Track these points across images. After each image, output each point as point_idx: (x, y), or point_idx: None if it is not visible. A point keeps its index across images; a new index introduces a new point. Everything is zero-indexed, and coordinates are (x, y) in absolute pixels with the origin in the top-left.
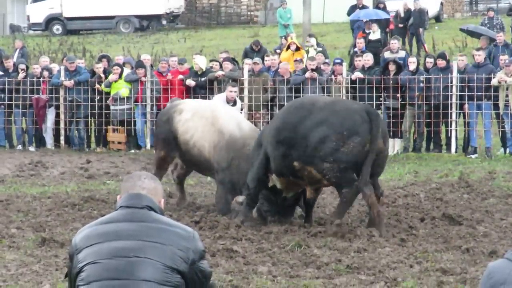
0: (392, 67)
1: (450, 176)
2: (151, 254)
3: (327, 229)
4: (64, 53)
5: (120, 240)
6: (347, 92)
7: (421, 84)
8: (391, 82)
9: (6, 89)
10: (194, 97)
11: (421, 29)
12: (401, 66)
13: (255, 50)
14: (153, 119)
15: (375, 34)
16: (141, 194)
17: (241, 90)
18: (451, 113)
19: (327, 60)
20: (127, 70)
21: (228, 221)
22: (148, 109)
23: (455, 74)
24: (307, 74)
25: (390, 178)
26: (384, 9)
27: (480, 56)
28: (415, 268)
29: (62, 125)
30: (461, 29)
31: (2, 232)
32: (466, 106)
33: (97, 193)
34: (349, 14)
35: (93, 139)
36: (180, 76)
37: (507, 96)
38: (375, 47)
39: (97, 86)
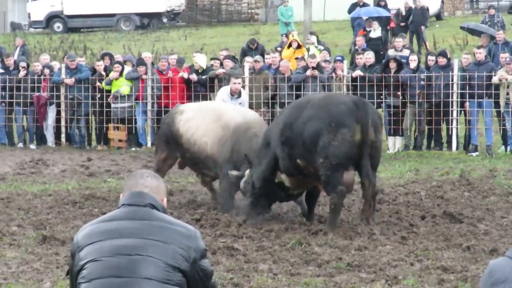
0: (393, 65)
1: (451, 174)
2: (153, 252)
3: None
4: (65, 51)
5: (122, 238)
6: (348, 90)
7: (422, 82)
8: (392, 80)
9: (7, 87)
10: (195, 95)
11: (422, 27)
12: (402, 64)
13: (252, 49)
14: (154, 117)
15: (376, 32)
16: (143, 192)
17: (242, 88)
18: (452, 111)
19: (328, 58)
20: (127, 68)
21: (229, 219)
22: (149, 107)
23: (456, 72)
24: (308, 72)
25: (391, 176)
26: (385, 6)
27: (481, 54)
28: (415, 266)
29: (63, 123)
30: (461, 27)
31: (3, 230)
32: (467, 104)
33: (98, 191)
34: (349, 12)
35: (93, 137)
36: (181, 74)
37: (508, 94)
38: (376, 45)
39: (97, 84)
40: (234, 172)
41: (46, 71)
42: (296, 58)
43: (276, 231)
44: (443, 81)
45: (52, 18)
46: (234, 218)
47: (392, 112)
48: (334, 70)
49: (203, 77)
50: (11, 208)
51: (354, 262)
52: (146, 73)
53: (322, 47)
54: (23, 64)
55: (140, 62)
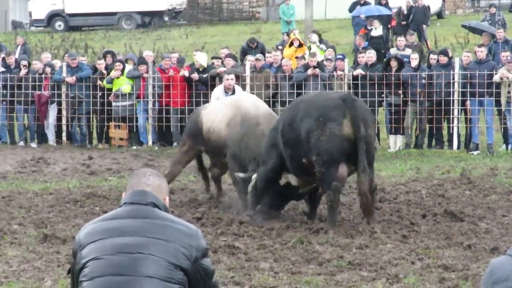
0: (394, 64)
1: (452, 172)
2: (155, 250)
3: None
4: (66, 50)
5: (124, 236)
6: (349, 88)
7: (423, 81)
8: (393, 78)
9: (8, 85)
10: (196, 94)
11: (423, 26)
12: (403, 63)
13: (252, 48)
14: (155, 116)
15: (377, 30)
16: (145, 191)
17: (243, 87)
18: (453, 109)
19: (329, 57)
20: (129, 67)
21: (230, 217)
22: (150, 105)
23: (457, 70)
24: (309, 71)
25: (392, 174)
26: (386, 5)
27: (482, 53)
28: (416, 264)
29: (64, 121)
30: (463, 26)
31: (4, 229)
32: (468, 102)
33: (99, 190)
34: (350, 10)
35: (95, 135)
36: (182, 73)
37: (509, 92)
38: (377, 44)
39: (99, 82)
40: (241, 175)
41: (48, 69)
42: (297, 57)
43: (277, 230)
44: (444, 79)
45: (53, 16)
46: (236, 217)
47: (393, 111)
48: (335, 68)
49: (204, 75)
50: (12, 206)
51: (355, 261)
52: (147, 72)
53: (324, 46)
54: (24, 62)
55: (141, 60)
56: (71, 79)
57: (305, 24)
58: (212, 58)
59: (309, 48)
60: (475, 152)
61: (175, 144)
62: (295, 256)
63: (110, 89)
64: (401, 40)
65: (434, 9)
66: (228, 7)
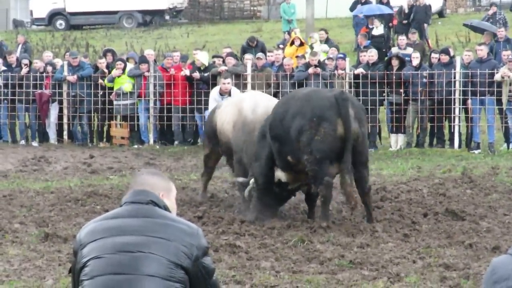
0: (395, 63)
1: (453, 171)
2: (155, 249)
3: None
4: (67, 48)
5: (125, 235)
6: (350, 87)
7: (424, 80)
8: (394, 77)
9: (9, 84)
10: (197, 92)
11: (425, 25)
12: (404, 62)
13: (252, 46)
14: (156, 114)
15: (378, 29)
16: (146, 190)
17: (245, 85)
18: (454, 108)
19: (331, 55)
20: (130, 65)
21: (231, 216)
22: (151, 104)
23: (458, 69)
24: (311, 70)
25: (393, 173)
26: (387, 4)
27: (482, 51)
28: (418, 263)
29: (65, 120)
30: (465, 24)
31: (5, 227)
32: (469, 101)
33: (100, 188)
34: (351, 9)
35: (96, 134)
36: (183, 72)
37: (510, 91)
38: (378, 43)
39: (100, 81)
40: (240, 179)
41: (49, 68)
42: (297, 56)
43: (278, 229)
44: (446, 78)
45: (54, 15)
46: (237, 216)
47: (394, 110)
48: (336, 67)
49: (206, 74)
50: (14, 205)
51: (356, 260)
52: (148, 71)
53: (327, 47)
54: (25, 61)
55: (143, 59)
56: (72, 78)
57: (306, 23)
58: (213, 57)
59: (311, 47)
60: (476, 151)
61: (176, 142)
62: (296, 255)
63: (111, 88)
64: (402, 39)
65: (435, 8)
66: (229, 6)
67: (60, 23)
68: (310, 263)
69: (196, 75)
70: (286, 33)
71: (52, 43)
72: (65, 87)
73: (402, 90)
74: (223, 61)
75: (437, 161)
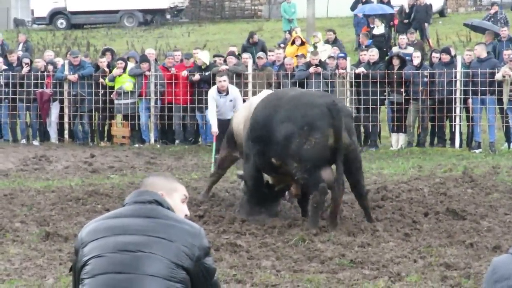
0: (396, 62)
1: (454, 170)
2: (156, 249)
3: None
4: (68, 48)
5: (126, 234)
6: (351, 86)
7: (425, 79)
8: (395, 76)
9: (10, 83)
10: (198, 92)
11: (425, 24)
12: (405, 61)
13: (252, 44)
14: (157, 114)
15: (379, 28)
16: (148, 191)
17: (245, 85)
18: (455, 107)
19: (332, 55)
20: (131, 64)
21: (232, 215)
22: (152, 103)
23: (459, 68)
24: (311, 69)
25: (394, 172)
26: (388, 3)
27: (478, 51)
28: (419, 263)
29: (66, 119)
30: (465, 24)
31: (6, 226)
32: (470, 101)
33: (101, 187)
34: (352, 9)
35: (97, 133)
36: (184, 72)
37: (511, 90)
38: (379, 42)
39: (101, 80)
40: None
41: (50, 67)
42: (297, 56)
43: (279, 228)
44: (447, 77)
45: (55, 14)
46: (238, 215)
47: (395, 109)
48: (337, 67)
49: (207, 73)
50: (14, 204)
51: (357, 259)
52: (149, 70)
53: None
54: (26, 60)
55: (144, 58)
56: (73, 77)
57: (307, 22)
58: (214, 56)
59: (315, 46)
60: (477, 151)
61: (177, 141)
62: (297, 254)
63: (112, 87)
64: (403, 39)
65: (436, 7)
66: (230, 5)
67: (61, 22)
68: (311, 262)
69: (196, 77)
70: (287, 32)
71: (53, 42)
72: (66, 86)
73: (403, 90)
74: (224, 61)
75: (438, 161)
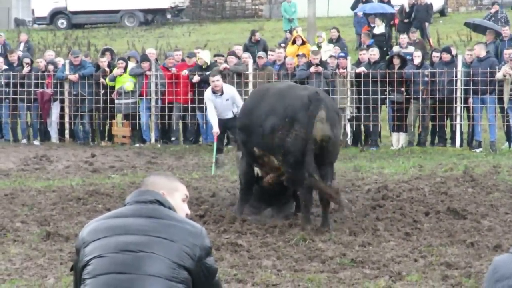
0: (396, 61)
1: (454, 170)
2: (158, 249)
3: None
4: (68, 47)
5: (127, 234)
6: (351, 86)
7: (426, 78)
8: (395, 76)
9: (11, 83)
10: (199, 91)
11: (426, 23)
12: (405, 60)
13: (254, 42)
14: (158, 113)
15: (379, 28)
16: (149, 190)
17: (246, 84)
18: (455, 107)
19: (333, 54)
20: (131, 64)
21: (233, 215)
22: (153, 103)
23: (459, 68)
24: (312, 69)
25: (394, 172)
26: (388, 3)
27: (477, 50)
28: (419, 262)
29: (66, 119)
30: (467, 23)
31: (7, 226)
32: (470, 100)
33: (102, 187)
34: (353, 8)
35: (97, 133)
36: (185, 71)
37: (511, 90)
38: (380, 41)
39: (101, 80)
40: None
41: (50, 67)
42: (297, 55)
43: (280, 227)
44: (447, 77)
45: (56, 14)
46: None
47: (396, 108)
48: (338, 66)
49: (207, 73)
50: (15, 204)
51: (358, 258)
52: (150, 69)
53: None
54: (26, 60)
55: (144, 58)
56: (73, 77)
57: (307, 22)
58: (215, 55)
59: (319, 46)
60: (477, 150)
61: (173, 139)
62: (298, 254)
63: (112, 87)
64: (403, 38)
65: (436, 6)
66: (230, 5)
67: (61, 22)
68: (311, 261)
69: (197, 78)
70: (288, 32)
71: (54, 42)
72: (66, 86)
73: (403, 89)
74: (225, 61)
75: (439, 160)
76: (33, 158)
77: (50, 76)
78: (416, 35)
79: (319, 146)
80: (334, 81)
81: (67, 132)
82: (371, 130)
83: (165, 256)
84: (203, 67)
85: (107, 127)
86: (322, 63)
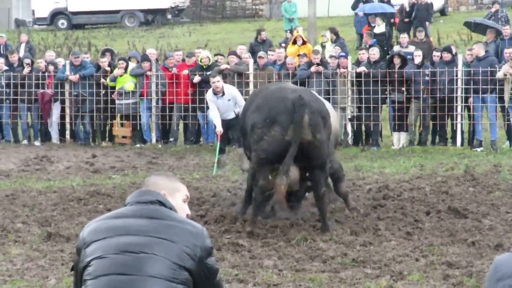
0: (397, 61)
1: (455, 169)
2: (158, 250)
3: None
4: (69, 48)
5: (128, 235)
6: (352, 85)
7: (427, 78)
8: (396, 75)
9: (11, 84)
10: (200, 91)
11: (426, 23)
12: (406, 60)
13: (260, 42)
14: (158, 113)
15: (380, 27)
16: (150, 190)
17: (247, 84)
18: (456, 106)
19: (334, 54)
20: (132, 65)
21: (234, 215)
22: (154, 103)
23: (460, 67)
24: (313, 69)
25: (395, 171)
26: (388, 2)
27: (477, 50)
28: (421, 261)
29: (67, 119)
30: (467, 23)
31: (8, 227)
32: (471, 99)
33: (103, 188)
34: (353, 8)
35: (98, 133)
36: (185, 71)
37: None
38: (380, 41)
39: (102, 80)
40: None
41: (51, 67)
42: (299, 55)
43: (281, 227)
44: (448, 76)
45: (56, 14)
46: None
47: (396, 108)
48: (338, 66)
49: (208, 73)
50: (16, 205)
51: (359, 258)
52: (150, 69)
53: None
54: (27, 61)
55: (145, 58)
56: (74, 77)
57: (308, 22)
58: (215, 55)
59: (323, 46)
60: (478, 149)
61: (171, 139)
62: (299, 254)
63: (113, 87)
64: (404, 37)
65: (437, 6)
66: (231, 5)
67: (62, 22)
68: (313, 261)
69: (197, 78)
70: (288, 31)
71: (54, 42)
72: (67, 87)
73: (404, 88)
74: (227, 62)
75: (440, 159)
76: (34, 158)
77: (50, 77)
78: (422, 34)
79: (300, 150)
80: (334, 80)
81: (67, 132)
82: (371, 129)
83: (165, 257)
84: (204, 67)
85: (107, 128)
86: (323, 63)
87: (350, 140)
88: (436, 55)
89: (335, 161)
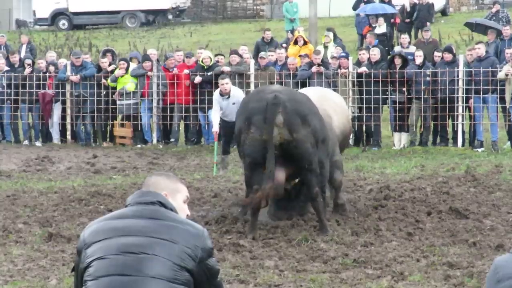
0: (398, 61)
1: (456, 169)
2: (159, 251)
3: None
4: (70, 48)
5: (129, 236)
6: (353, 86)
7: (428, 78)
8: (397, 76)
9: (12, 84)
10: (201, 92)
11: (428, 23)
12: (407, 60)
13: (267, 42)
14: (159, 114)
15: (381, 28)
16: (151, 191)
17: (248, 84)
18: (457, 106)
19: (335, 54)
20: (133, 65)
21: (235, 215)
22: (154, 103)
23: (461, 67)
24: (314, 69)
25: (396, 172)
26: (389, 3)
27: (479, 50)
28: (422, 262)
29: (68, 120)
30: (468, 23)
31: (9, 227)
32: (471, 100)
33: (104, 188)
34: (354, 8)
35: (99, 134)
36: (186, 71)
37: None
38: (381, 41)
39: (103, 81)
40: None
41: (52, 68)
42: (300, 56)
43: (282, 228)
44: (449, 77)
45: (57, 15)
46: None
47: (397, 108)
48: (339, 66)
49: (209, 73)
50: (17, 205)
51: (360, 258)
52: (151, 70)
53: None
54: (28, 61)
55: (146, 58)
56: (75, 78)
57: (309, 22)
58: (216, 55)
59: (325, 46)
60: (479, 149)
61: (172, 140)
62: (300, 254)
63: (114, 88)
64: (404, 38)
65: (438, 6)
66: (232, 5)
67: (63, 23)
68: (314, 262)
69: (198, 79)
70: (289, 32)
71: (55, 43)
72: (68, 87)
73: (405, 89)
74: (229, 62)
75: (441, 160)
76: (35, 159)
77: (51, 77)
78: (428, 34)
79: (280, 150)
80: (335, 81)
81: (68, 133)
82: (372, 130)
83: (166, 257)
84: (204, 67)
85: (108, 128)
86: (324, 63)
87: (351, 141)
88: (437, 55)
89: (337, 154)
